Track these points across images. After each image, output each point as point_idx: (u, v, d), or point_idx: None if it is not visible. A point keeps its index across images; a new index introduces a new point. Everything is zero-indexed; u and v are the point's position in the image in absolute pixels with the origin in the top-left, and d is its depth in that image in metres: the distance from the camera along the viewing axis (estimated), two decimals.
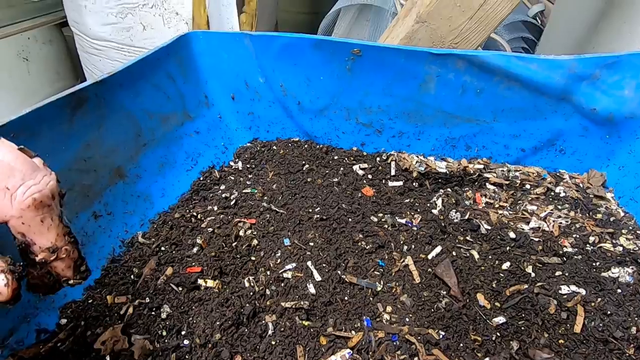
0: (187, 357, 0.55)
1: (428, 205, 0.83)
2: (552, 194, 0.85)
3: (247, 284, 0.66)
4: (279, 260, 0.70)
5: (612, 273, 0.67)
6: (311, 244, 0.73)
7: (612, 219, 0.78)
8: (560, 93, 0.84)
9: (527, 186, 0.87)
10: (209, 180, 0.91)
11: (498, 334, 0.59)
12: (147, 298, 0.63)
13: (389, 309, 0.63)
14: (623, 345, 0.56)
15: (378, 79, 0.91)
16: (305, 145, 1.02)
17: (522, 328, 0.60)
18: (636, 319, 0.59)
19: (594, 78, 0.82)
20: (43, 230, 0.38)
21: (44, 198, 0.37)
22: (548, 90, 0.84)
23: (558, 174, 0.91)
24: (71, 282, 0.41)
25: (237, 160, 0.98)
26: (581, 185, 0.87)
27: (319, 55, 0.90)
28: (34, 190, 0.37)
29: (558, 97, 0.85)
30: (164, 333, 0.58)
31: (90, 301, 0.63)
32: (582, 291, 0.63)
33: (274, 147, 1.01)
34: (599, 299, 0.62)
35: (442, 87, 0.89)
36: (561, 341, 0.58)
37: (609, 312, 0.60)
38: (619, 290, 0.64)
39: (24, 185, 0.36)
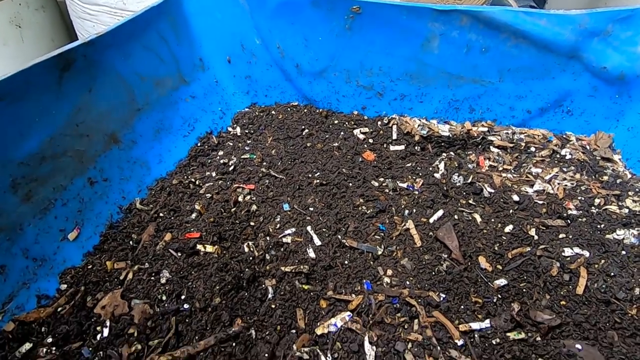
0: (187, 320, 0.55)
1: (430, 169, 0.81)
2: (558, 156, 0.83)
3: (246, 249, 0.65)
4: (278, 226, 0.69)
5: (617, 235, 0.65)
6: (311, 209, 0.72)
7: (618, 181, 0.76)
8: (570, 50, 0.80)
9: (532, 149, 0.85)
10: (206, 146, 0.89)
11: (499, 295, 0.58)
12: (147, 263, 0.63)
13: (389, 272, 0.62)
14: (625, 305, 0.55)
15: (379, 38, 0.87)
16: (305, 110, 0.99)
17: (524, 290, 0.59)
18: None
19: (606, 34, 0.78)
20: None
21: None
22: (557, 48, 0.80)
23: (564, 136, 0.89)
24: None
25: (235, 125, 0.96)
26: (588, 147, 0.85)
27: (316, 13, 0.86)
28: None
29: (567, 55, 0.81)
30: (164, 297, 0.58)
31: (89, 267, 0.63)
32: (586, 253, 0.63)
33: (273, 112, 0.99)
34: (603, 261, 0.61)
35: (446, 46, 0.85)
36: (562, 302, 0.57)
37: (612, 274, 0.59)
38: (623, 252, 0.63)
39: None
